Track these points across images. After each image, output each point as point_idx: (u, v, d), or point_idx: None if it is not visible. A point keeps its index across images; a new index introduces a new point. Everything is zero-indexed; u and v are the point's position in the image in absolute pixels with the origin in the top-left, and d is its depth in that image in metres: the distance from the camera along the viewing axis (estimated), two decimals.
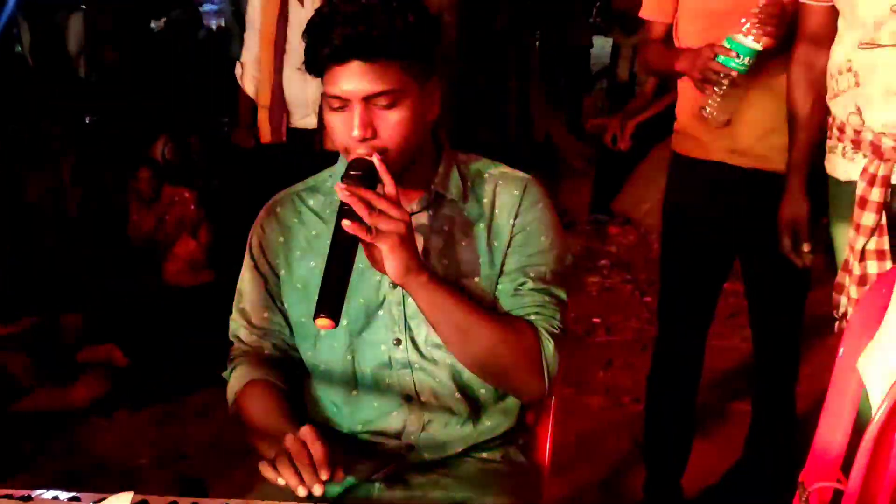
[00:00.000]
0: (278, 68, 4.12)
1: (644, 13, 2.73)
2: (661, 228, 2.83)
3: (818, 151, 2.29)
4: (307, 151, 3.99)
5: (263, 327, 1.75)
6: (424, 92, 1.60)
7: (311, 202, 1.75)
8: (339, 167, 1.70)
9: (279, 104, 4.15)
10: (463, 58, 6.33)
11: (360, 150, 1.54)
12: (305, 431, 1.43)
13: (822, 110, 2.27)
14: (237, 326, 1.78)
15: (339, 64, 1.53)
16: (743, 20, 2.35)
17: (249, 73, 4.32)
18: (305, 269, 1.71)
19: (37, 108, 6.73)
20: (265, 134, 4.21)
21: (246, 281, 1.77)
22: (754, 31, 2.33)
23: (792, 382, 2.83)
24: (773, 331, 2.78)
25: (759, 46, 2.34)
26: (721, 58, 2.36)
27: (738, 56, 2.35)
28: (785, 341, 2.78)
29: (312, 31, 1.55)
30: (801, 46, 2.30)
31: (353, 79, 1.52)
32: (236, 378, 1.73)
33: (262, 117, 4.23)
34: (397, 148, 1.56)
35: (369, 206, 1.46)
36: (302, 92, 4.03)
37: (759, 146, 2.50)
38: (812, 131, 2.30)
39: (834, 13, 2.18)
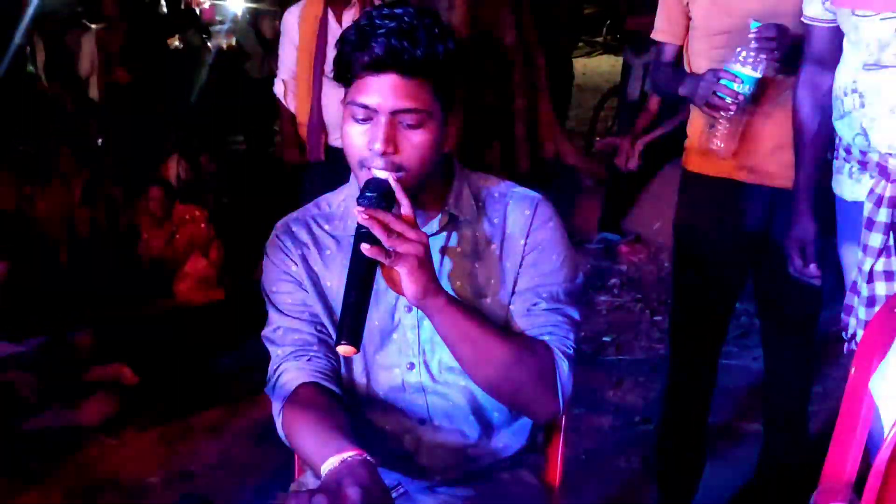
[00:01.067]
0: (317, 86, 4.13)
1: (656, 35, 2.74)
2: (672, 247, 2.83)
3: (825, 171, 2.29)
4: (347, 170, 4.00)
5: (307, 331, 1.68)
6: (447, 120, 1.60)
7: (327, 227, 1.73)
8: (352, 189, 1.69)
9: (318, 122, 4.17)
10: (471, 75, 6.34)
11: (378, 164, 1.53)
12: (363, 465, 1.37)
13: (827, 131, 2.27)
14: (274, 347, 1.71)
15: (375, 74, 1.52)
16: (738, 49, 2.36)
17: (292, 91, 4.34)
18: (322, 288, 1.70)
19: (48, 127, 6.77)
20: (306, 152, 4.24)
21: (270, 282, 1.71)
22: (750, 60, 2.35)
23: (804, 402, 2.82)
24: (784, 350, 2.77)
25: (758, 74, 2.35)
26: (725, 82, 2.37)
27: (740, 82, 2.36)
28: (797, 360, 2.77)
29: (351, 39, 1.54)
30: (806, 67, 2.30)
31: (387, 91, 1.52)
32: (282, 385, 1.65)
33: (302, 134, 4.25)
34: (414, 169, 1.55)
35: (387, 230, 1.45)
36: (341, 111, 4.05)
37: (769, 163, 2.50)
38: (818, 152, 2.30)
39: (839, 34, 2.18)
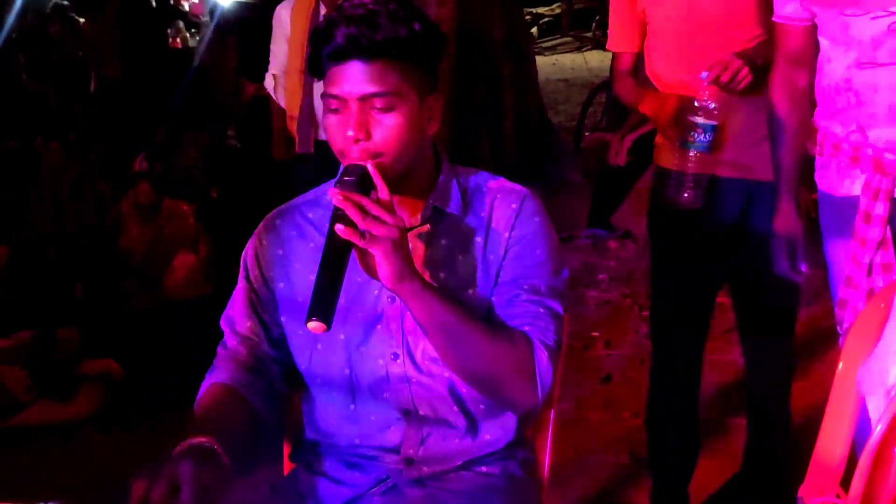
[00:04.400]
0: (308, 80, 4.13)
1: (611, 46, 2.75)
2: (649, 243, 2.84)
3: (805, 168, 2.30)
4: (335, 164, 4.00)
5: (243, 334, 1.73)
6: (424, 104, 1.61)
7: (310, 215, 1.75)
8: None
9: (308, 115, 4.17)
10: (460, 70, 6.35)
11: (354, 154, 1.55)
12: (188, 476, 1.35)
13: (805, 129, 2.27)
14: (225, 334, 1.77)
15: (338, 63, 1.55)
16: (696, 102, 2.40)
17: (282, 85, 4.34)
18: (305, 282, 1.70)
19: (34, 123, 6.75)
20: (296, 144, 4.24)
21: (238, 290, 1.77)
22: (705, 111, 2.38)
23: (785, 396, 2.82)
24: (764, 344, 2.77)
25: (717, 121, 2.40)
26: (688, 131, 2.41)
27: (701, 131, 2.42)
28: (776, 352, 2.78)
29: (317, 33, 1.58)
30: (780, 67, 2.30)
31: (352, 78, 1.54)
32: (206, 379, 1.72)
33: (291, 128, 4.25)
34: (392, 154, 1.56)
35: (363, 212, 1.46)
36: None
37: (744, 156, 2.50)
38: (798, 151, 2.31)
39: (812, 32, 2.18)
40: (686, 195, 2.49)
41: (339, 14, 1.56)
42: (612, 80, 2.90)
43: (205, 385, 1.70)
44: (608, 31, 2.74)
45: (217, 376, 1.70)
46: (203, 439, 1.44)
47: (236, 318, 1.75)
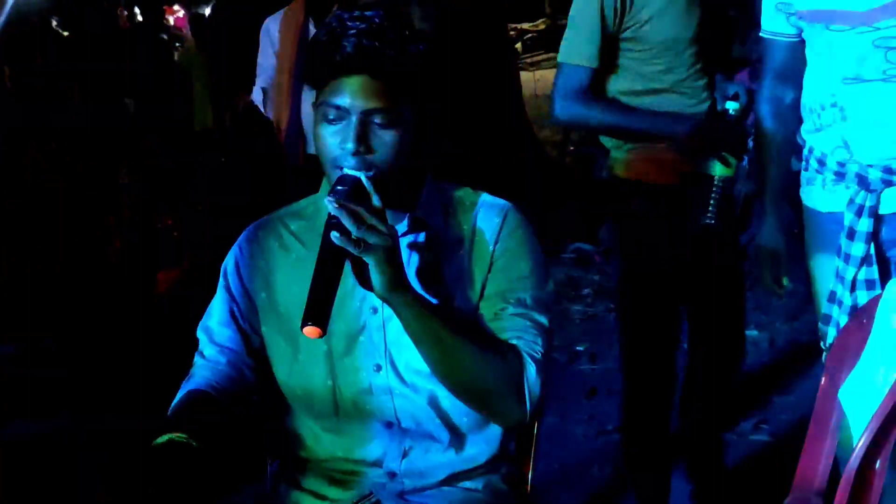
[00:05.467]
0: (297, 94, 4.12)
1: (573, 58, 2.53)
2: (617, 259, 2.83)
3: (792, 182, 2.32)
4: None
5: (222, 344, 1.73)
6: (421, 119, 1.62)
7: (293, 227, 1.75)
8: (322, 194, 1.70)
9: (297, 130, 4.16)
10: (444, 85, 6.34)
11: (350, 163, 1.55)
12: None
13: (791, 144, 2.29)
14: (201, 343, 1.76)
15: (346, 74, 1.55)
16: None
17: (271, 99, 4.33)
18: (287, 294, 1.70)
19: (19, 129, 6.71)
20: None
21: (216, 300, 1.76)
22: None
23: (725, 400, 2.83)
24: (708, 343, 2.76)
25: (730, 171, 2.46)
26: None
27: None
28: (720, 355, 2.76)
29: (322, 40, 1.57)
30: (767, 83, 2.31)
31: (359, 92, 1.55)
32: (182, 386, 1.71)
33: (280, 141, 4.24)
34: (387, 167, 1.57)
35: (358, 220, 1.47)
36: None
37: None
38: (784, 166, 2.33)
39: (798, 48, 2.20)
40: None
41: (342, 24, 1.55)
42: (558, 103, 2.57)
43: (181, 392, 1.69)
44: (567, 44, 2.54)
45: (194, 383, 1.69)
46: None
47: (214, 327, 1.74)
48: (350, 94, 1.55)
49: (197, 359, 1.75)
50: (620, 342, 2.83)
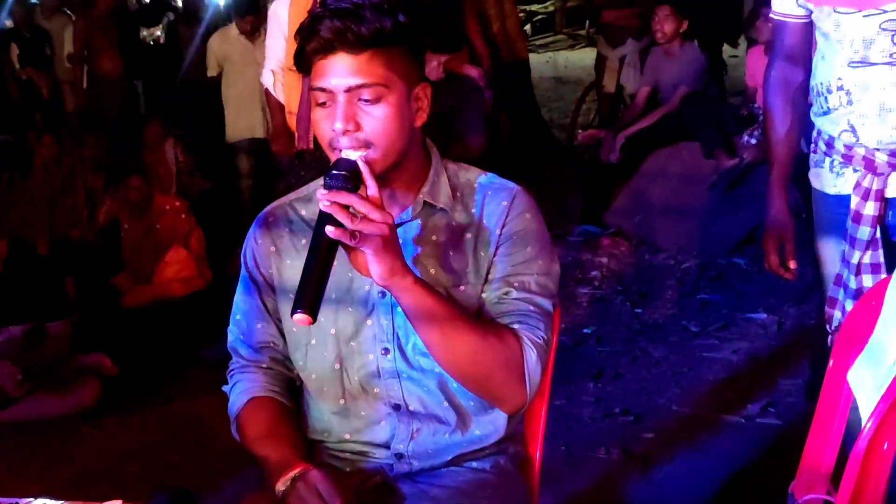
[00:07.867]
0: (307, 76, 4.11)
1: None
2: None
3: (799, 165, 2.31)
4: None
5: (258, 340, 1.76)
6: (412, 95, 1.61)
7: (302, 211, 1.75)
8: None
9: (307, 111, 4.15)
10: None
11: (344, 143, 1.55)
12: (318, 479, 1.56)
13: (800, 126, 2.28)
14: (234, 339, 1.79)
15: (324, 56, 1.56)
16: None
17: (281, 81, 4.32)
18: (296, 279, 1.71)
19: (27, 117, 6.72)
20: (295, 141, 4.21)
21: (240, 293, 1.78)
22: None
23: None
24: None
25: None
26: None
27: None
28: None
29: (303, 28, 1.59)
30: (776, 64, 2.29)
31: (338, 71, 1.56)
32: (237, 394, 1.76)
33: (291, 124, 4.24)
34: (381, 145, 1.57)
35: (351, 213, 1.46)
36: None
37: None
38: (792, 147, 2.31)
39: (809, 29, 2.19)
40: None
41: (324, 9, 1.57)
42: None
43: (240, 401, 1.75)
44: None
45: (251, 389, 1.75)
46: (301, 468, 1.59)
47: (246, 322, 1.77)
48: (332, 74, 1.56)
49: (235, 358, 1.79)
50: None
